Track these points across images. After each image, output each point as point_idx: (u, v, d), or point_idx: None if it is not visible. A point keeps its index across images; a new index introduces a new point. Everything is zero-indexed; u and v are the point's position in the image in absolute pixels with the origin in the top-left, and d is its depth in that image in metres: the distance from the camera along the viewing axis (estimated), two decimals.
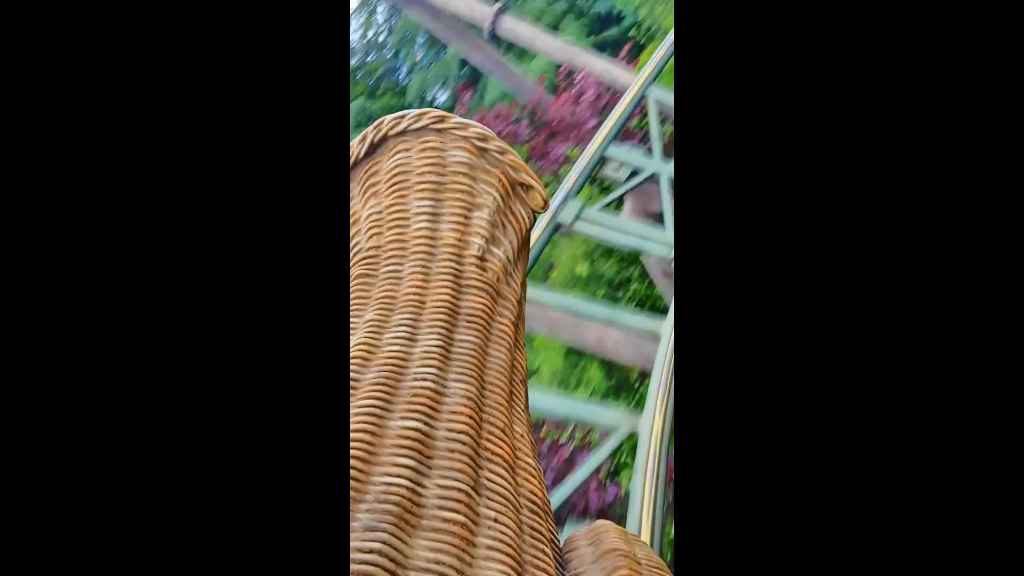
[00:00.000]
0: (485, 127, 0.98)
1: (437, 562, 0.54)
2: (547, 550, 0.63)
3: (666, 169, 7.62)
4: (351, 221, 0.90)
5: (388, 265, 0.82)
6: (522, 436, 0.74)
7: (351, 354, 0.70)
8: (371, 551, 0.52)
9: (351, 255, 0.86)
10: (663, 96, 8.08)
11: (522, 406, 0.80)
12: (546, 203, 1.01)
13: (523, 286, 0.96)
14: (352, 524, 0.55)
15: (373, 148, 0.93)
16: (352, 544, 0.53)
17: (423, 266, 0.83)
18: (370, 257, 0.83)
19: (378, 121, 0.94)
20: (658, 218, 7.43)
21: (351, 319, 0.77)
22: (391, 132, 0.93)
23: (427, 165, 0.92)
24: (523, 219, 0.99)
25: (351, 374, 0.68)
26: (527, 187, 0.99)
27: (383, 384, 0.67)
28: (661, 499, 4.77)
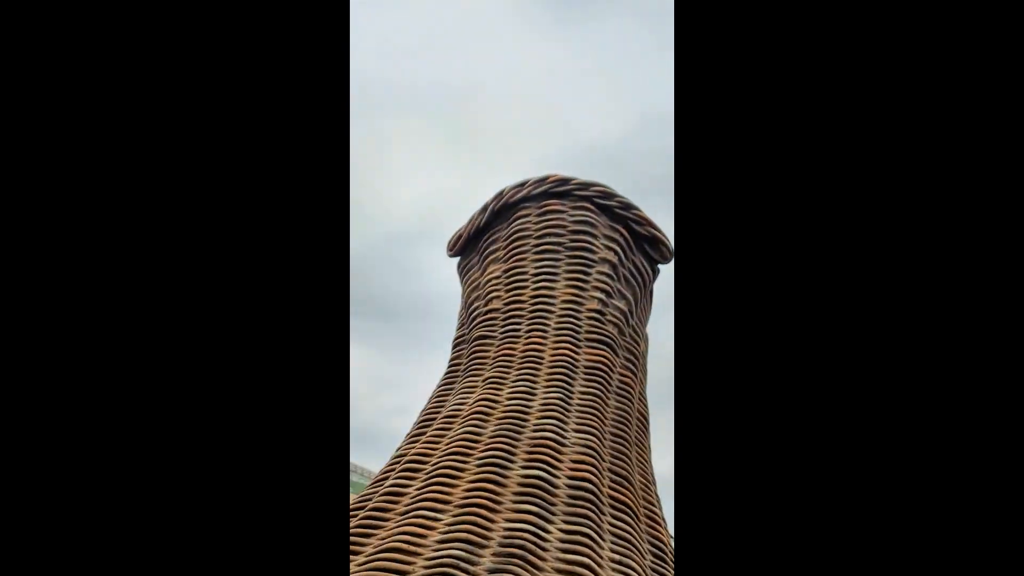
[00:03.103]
0: (607, 185, 1.00)
1: None
2: None
3: None
4: (472, 287, 0.95)
5: (507, 325, 0.86)
6: (646, 485, 0.74)
7: (472, 411, 0.74)
8: None
9: (470, 319, 0.91)
10: None
11: (646, 456, 0.80)
12: (672, 254, 1.01)
13: (645, 339, 0.96)
14: (476, 570, 0.57)
15: (494, 216, 0.98)
16: None
17: (542, 323, 0.85)
18: (490, 319, 0.87)
19: (499, 191, 0.99)
20: None
21: (470, 379, 0.80)
22: (512, 200, 0.98)
23: (546, 227, 0.96)
24: (647, 271, 1.00)
25: (473, 430, 0.71)
26: (653, 240, 1.00)
27: (504, 437, 0.70)
28: None
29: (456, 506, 0.62)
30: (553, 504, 0.64)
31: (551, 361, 0.81)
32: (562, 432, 0.72)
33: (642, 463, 0.78)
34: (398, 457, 0.73)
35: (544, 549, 0.60)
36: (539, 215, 0.96)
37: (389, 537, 0.61)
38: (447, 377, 0.85)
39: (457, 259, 1.03)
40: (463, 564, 0.58)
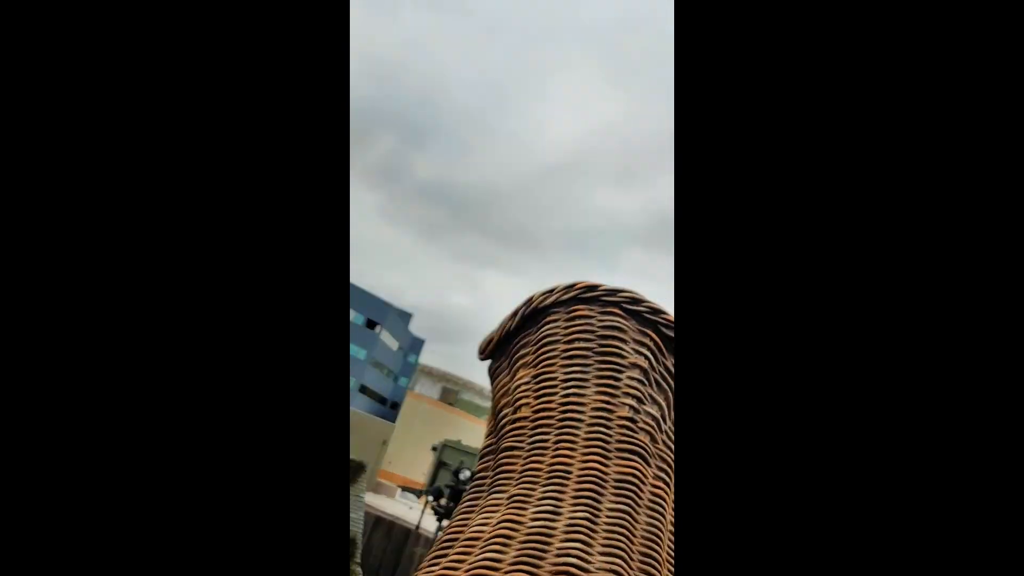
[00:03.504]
0: (635, 290, 1.01)
1: None
2: None
3: None
4: (501, 393, 0.96)
5: (535, 435, 0.85)
6: None
7: (494, 533, 0.73)
8: None
9: (499, 427, 0.91)
10: None
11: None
12: None
13: None
14: None
15: (524, 321, 0.99)
16: None
17: (571, 434, 0.85)
18: (518, 428, 0.87)
19: (529, 297, 1.00)
20: None
21: (495, 495, 0.80)
22: (541, 305, 0.98)
23: (575, 332, 0.96)
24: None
25: (493, 556, 0.70)
26: None
27: (525, 564, 0.69)
28: None
29: None
30: None
31: (579, 475, 0.80)
32: (586, 556, 0.71)
33: None
34: None
35: None
36: (567, 320, 0.97)
37: None
38: (473, 492, 0.85)
39: (488, 362, 1.03)
40: None
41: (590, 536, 0.73)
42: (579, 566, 0.69)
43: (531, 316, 0.99)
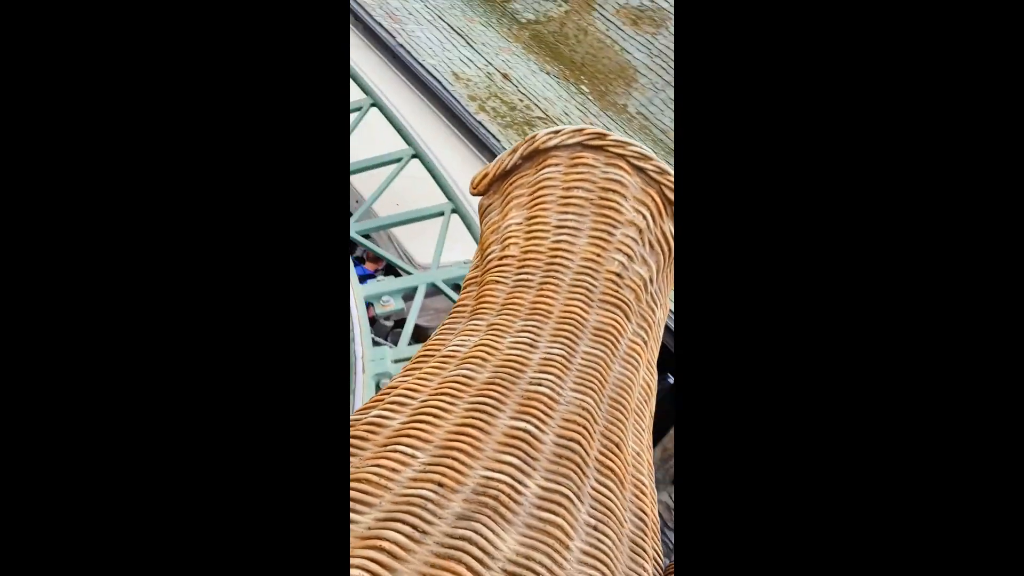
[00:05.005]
0: (645, 147, 0.96)
1: (527, 557, 0.53)
2: (647, 566, 0.60)
3: None
4: (490, 230, 0.92)
5: (521, 273, 0.82)
6: (638, 454, 0.71)
7: (470, 355, 0.71)
8: (460, 538, 0.53)
9: (485, 261, 0.88)
10: None
11: (644, 425, 0.77)
12: None
13: (663, 307, 0.92)
14: (444, 513, 0.55)
15: (523, 160, 0.94)
16: (442, 530, 0.53)
17: (557, 277, 0.82)
18: (504, 264, 0.84)
19: (532, 135, 0.95)
20: None
21: (475, 322, 0.78)
22: (543, 146, 0.94)
23: (576, 180, 0.92)
24: (674, 240, 0.96)
25: (468, 373, 0.69)
26: None
27: (498, 385, 0.67)
28: None
29: (436, 446, 0.60)
30: (535, 459, 0.61)
31: (560, 317, 0.78)
32: (559, 389, 0.69)
33: (638, 433, 0.75)
34: (389, 388, 0.71)
35: (517, 503, 0.58)
36: (569, 166, 0.92)
37: (362, 467, 0.59)
38: (452, 317, 0.83)
39: (480, 198, 0.99)
40: (431, 506, 0.56)
41: (564, 371, 0.72)
42: (550, 396, 0.68)
43: (531, 156, 0.94)
